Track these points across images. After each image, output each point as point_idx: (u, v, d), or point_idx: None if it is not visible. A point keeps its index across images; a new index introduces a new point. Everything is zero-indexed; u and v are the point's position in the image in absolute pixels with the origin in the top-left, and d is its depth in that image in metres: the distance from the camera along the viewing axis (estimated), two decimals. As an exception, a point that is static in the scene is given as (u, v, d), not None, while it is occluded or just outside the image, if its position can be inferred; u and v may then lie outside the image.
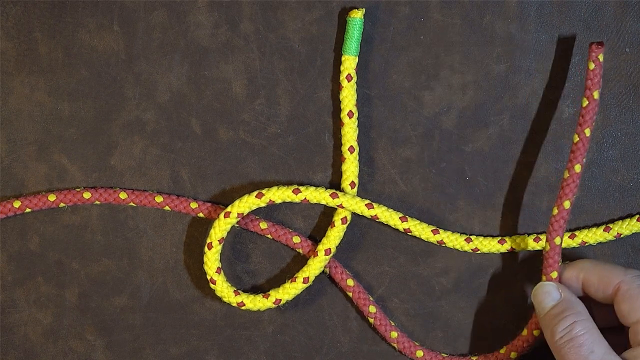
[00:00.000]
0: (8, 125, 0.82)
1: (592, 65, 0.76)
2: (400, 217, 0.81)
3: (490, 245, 0.81)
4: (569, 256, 0.81)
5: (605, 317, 0.79)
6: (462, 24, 0.80)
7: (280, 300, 0.80)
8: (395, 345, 0.82)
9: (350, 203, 0.80)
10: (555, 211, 0.78)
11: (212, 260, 0.79)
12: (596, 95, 0.76)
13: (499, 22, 0.80)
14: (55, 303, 0.83)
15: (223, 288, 0.80)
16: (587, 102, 0.77)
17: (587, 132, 0.77)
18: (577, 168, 0.77)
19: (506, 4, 0.80)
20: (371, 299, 0.82)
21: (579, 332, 0.74)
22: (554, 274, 0.78)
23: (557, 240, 0.77)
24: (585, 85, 0.77)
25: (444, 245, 0.81)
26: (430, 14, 0.80)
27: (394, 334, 0.82)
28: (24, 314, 0.83)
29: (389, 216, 0.81)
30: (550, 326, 0.75)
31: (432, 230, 0.81)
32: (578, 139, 0.77)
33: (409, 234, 0.81)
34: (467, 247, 0.81)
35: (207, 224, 0.83)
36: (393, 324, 0.82)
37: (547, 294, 0.77)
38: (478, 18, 0.80)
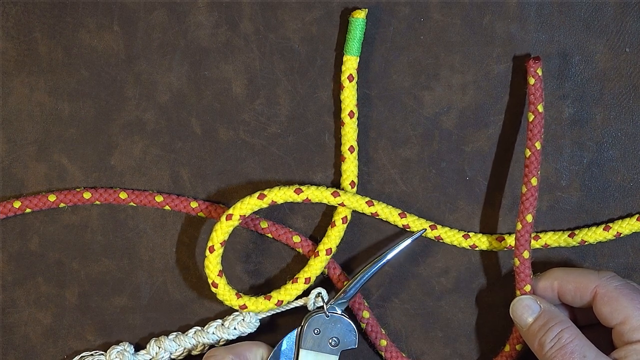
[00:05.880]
0: (8, 125, 0.82)
1: (532, 80, 0.78)
2: (399, 214, 0.81)
3: (489, 243, 0.81)
4: (537, 265, 0.81)
5: (584, 316, 0.79)
6: (462, 24, 0.80)
7: (282, 301, 0.80)
8: (382, 353, 0.82)
9: (351, 201, 0.80)
10: (519, 226, 0.78)
11: (213, 263, 0.79)
12: (540, 108, 0.77)
13: (499, 22, 0.80)
14: (55, 303, 0.83)
15: (225, 292, 0.80)
16: (534, 117, 0.78)
17: (538, 145, 0.78)
18: (534, 181, 0.78)
19: (506, 4, 0.80)
20: (366, 304, 0.82)
21: (568, 340, 0.74)
22: (527, 287, 0.78)
23: (526, 254, 0.78)
24: (529, 100, 0.78)
25: (441, 241, 0.81)
26: (430, 14, 0.80)
27: (383, 342, 0.82)
28: (24, 314, 0.83)
29: (388, 213, 0.81)
30: (537, 338, 0.75)
31: (430, 226, 0.81)
32: (530, 152, 0.78)
33: (408, 230, 0.81)
34: (465, 244, 0.81)
35: (207, 223, 0.83)
36: (384, 332, 0.82)
37: (527, 307, 0.77)
38: (478, 18, 0.80)
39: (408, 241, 0.79)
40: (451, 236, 0.81)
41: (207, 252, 0.79)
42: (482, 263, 0.82)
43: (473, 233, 0.82)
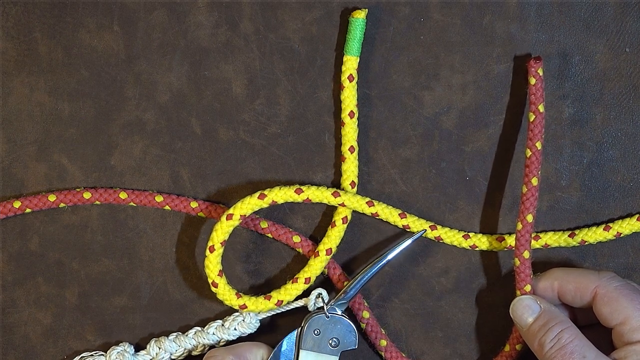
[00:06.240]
0: (8, 125, 0.82)
1: (533, 80, 0.78)
2: (399, 214, 0.81)
3: (489, 243, 0.81)
4: (537, 265, 0.81)
5: (584, 316, 0.79)
6: (462, 24, 0.80)
7: (282, 301, 0.80)
8: (382, 353, 0.82)
9: (351, 201, 0.80)
10: (520, 226, 0.78)
11: (214, 263, 0.79)
12: (541, 108, 0.77)
13: (499, 22, 0.80)
14: (55, 303, 0.83)
15: (225, 291, 0.80)
16: (534, 116, 0.78)
17: (539, 145, 0.78)
18: (535, 181, 0.78)
19: (506, 4, 0.80)
20: (366, 304, 0.82)
21: (567, 340, 0.74)
22: (528, 287, 0.78)
23: (526, 254, 0.78)
24: (530, 100, 0.78)
25: (441, 241, 0.81)
26: (430, 14, 0.80)
27: (383, 342, 0.82)
28: (24, 314, 0.83)
29: (388, 213, 0.81)
30: (537, 338, 0.76)
31: (430, 227, 0.81)
32: (530, 152, 0.78)
33: (408, 230, 0.81)
34: (465, 244, 0.81)
35: (207, 223, 0.83)
36: (384, 332, 0.82)
37: (527, 307, 0.77)
38: (478, 18, 0.80)
39: (408, 241, 0.79)
40: (451, 236, 0.81)
41: (207, 252, 0.79)
42: (482, 263, 0.82)
43: (473, 233, 0.82)
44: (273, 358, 0.79)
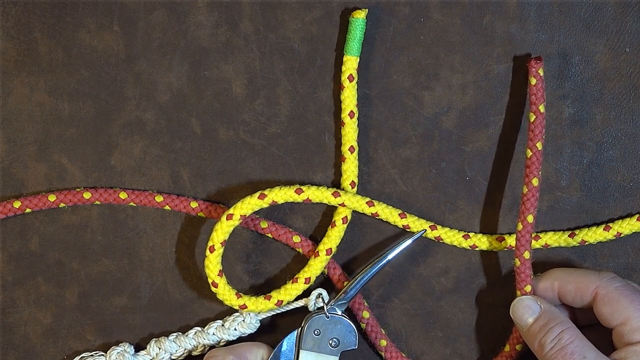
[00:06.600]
0: (8, 125, 0.82)
1: (533, 80, 0.78)
2: (399, 214, 0.81)
3: (489, 243, 0.81)
4: (537, 265, 0.81)
5: (585, 317, 0.79)
6: (462, 24, 0.80)
7: (282, 301, 0.80)
8: (382, 353, 0.82)
9: (351, 201, 0.80)
10: (520, 226, 0.78)
11: (214, 263, 0.79)
12: (542, 108, 0.77)
13: (499, 22, 0.80)
14: (55, 303, 0.83)
15: (225, 291, 0.80)
16: (535, 117, 0.78)
17: (539, 145, 0.78)
18: (535, 182, 0.78)
19: (506, 4, 0.80)
20: (366, 304, 0.82)
21: (568, 341, 0.74)
22: (528, 288, 0.78)
23: (526, 254, 0.78)
24: (530, 100, 0.78)
25: (441, 241, 0.81)
26: (430, 14, 0.80)
27: (383, 342, 0.82)
28: (24, 314, 0.83)
29: (388, 213, 0.81)
30: (538, 339, 0.76)
31: (430, 227, 0.81)
32: (531, 153, 0.78)
33: (408, 230, 0.81)
34: (466, 244, 0.81)
35: (207, 223, 0.83)
36: (384, 332, 0.82)
37: (527, 307, 0.77)
38: (478, 18, 0.80)
39: (408, 242, 0.79)
40: (451, 236, 0.81)
41: (208, 252, 0.79)
42: (482, 263, 0.82)
43: (473, 233, 0.82)
44: (273, 358, 0.79)
